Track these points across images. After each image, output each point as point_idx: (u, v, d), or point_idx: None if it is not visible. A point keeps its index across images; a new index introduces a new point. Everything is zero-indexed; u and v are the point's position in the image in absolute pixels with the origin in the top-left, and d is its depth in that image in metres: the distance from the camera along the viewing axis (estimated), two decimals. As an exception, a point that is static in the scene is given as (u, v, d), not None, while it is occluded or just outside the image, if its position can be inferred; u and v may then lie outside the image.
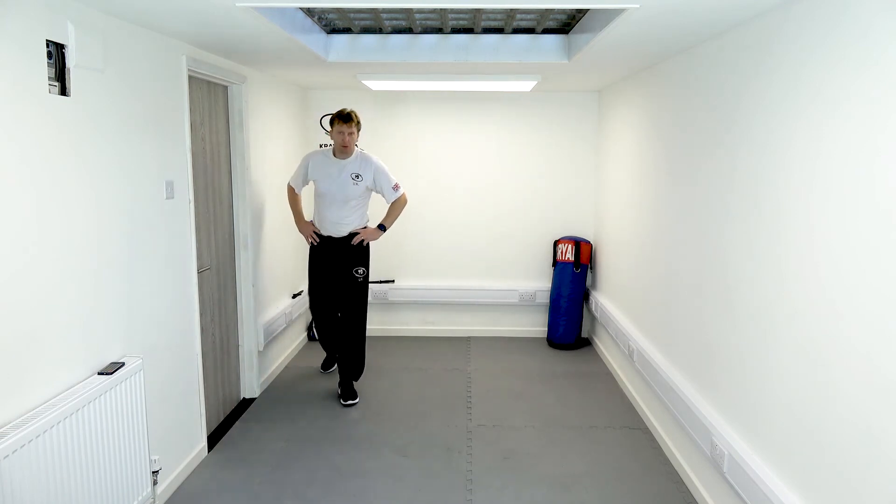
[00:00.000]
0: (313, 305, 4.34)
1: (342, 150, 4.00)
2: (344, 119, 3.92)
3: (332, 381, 4.55)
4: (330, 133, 4.02)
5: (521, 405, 4.13)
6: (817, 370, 2.03)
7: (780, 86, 2.28)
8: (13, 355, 2.04)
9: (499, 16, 3.37)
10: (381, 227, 4.17)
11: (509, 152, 5.47)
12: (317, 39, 3.53)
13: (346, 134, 3.92)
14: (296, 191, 4.19)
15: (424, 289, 5.56)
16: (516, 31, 3.67)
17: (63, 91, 2.26)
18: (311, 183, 4.20)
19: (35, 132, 2.11)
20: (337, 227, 4.08)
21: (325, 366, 4.70)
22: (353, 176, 4.01)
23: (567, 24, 3.53)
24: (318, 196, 4.08)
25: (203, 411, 3.38)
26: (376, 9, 3.18)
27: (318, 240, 4.12)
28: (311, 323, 5.49)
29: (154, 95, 2.87)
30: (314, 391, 4.34)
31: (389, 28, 3.62)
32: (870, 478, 1.78)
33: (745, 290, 2.54)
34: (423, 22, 3.50)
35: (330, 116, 4.07)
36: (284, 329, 4.77)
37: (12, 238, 2.02)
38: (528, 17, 3.38)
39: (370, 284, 5.55)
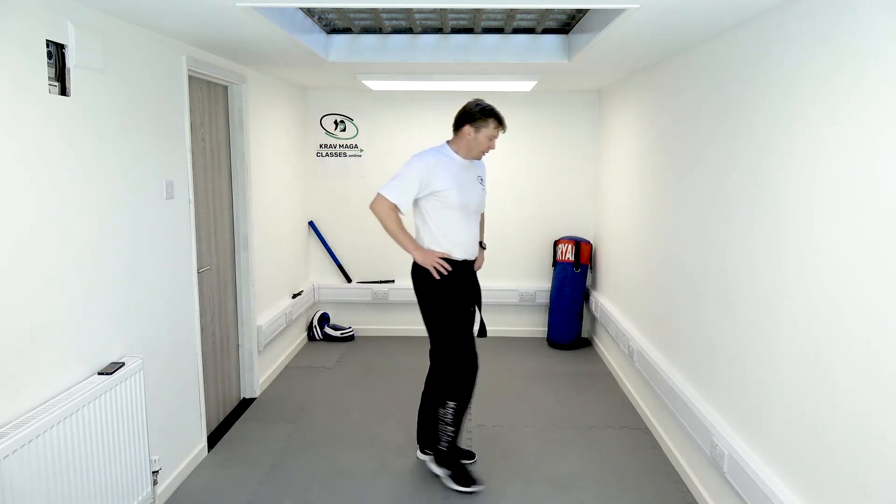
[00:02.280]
0: (470, 356, 3.16)
1: (475, 156, 3.13)
2: (503, 123, 3.07)
3: (330, 380, 4.55)
4: (472, 130, 3.03)
5: (521, 405, 4.12)
6: (818, 369, 2.03)
7: (781, 86, 2.28)
8: (13, 355, 2.04)
9: (499, 16, 3.37)
10: (483, 246, 3.42)
11: (509, 152, 5.46)
12: (317, 39, 3.53)
13: (495, 141, 3.11)
14: (401, 210, 3.03)
15: (424, 289, 5.56)
16: (516, 31, 3.67)
17: (63, 91, 2.26)
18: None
19: (35, 132, 2.11)
20: (473, 248, 3.18)
21: (458, 460, 3.21)
22: (480, 180, 3.22)
23: (567, 24, 3.53)
24: (450, 210, 3.05)
25: (203, 411, 3.38)
26: (376, 9, 3.19)
27: (449, 269, 3.06)
28: (310, 323, 5.49)
29: (154, 95, 2.87)
30: (314, 391, 4.34)
31: (389, 28, 3.63)
32: (871, 478, 1.78)
33: (745, 289, 2.54)
34: (423, 22, 3.50)
35: (470, 111, 3.04)
36: (284, 329, 4.77)
37: (12, 238, 2.02)
38: (528, 17, 3.38)
39: (371, 285, 5.58)
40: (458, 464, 3.17)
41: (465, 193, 3.08)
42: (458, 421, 3.13)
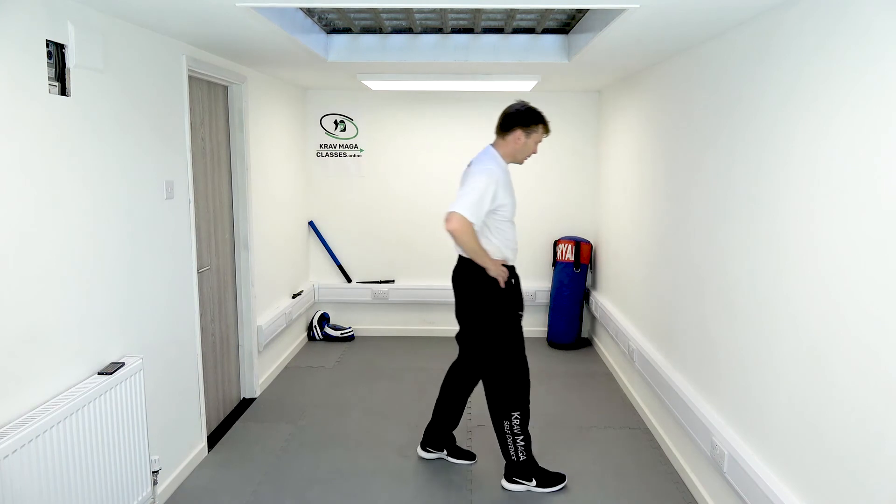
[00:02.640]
0: (525, 366, 3.09)
1: (519, 160, 3.09)
2: (548, 128, 3.06)
3: (330, 380, 4.55)
4: (523, 135, 2.99)
5: (521, 405, 4.12)
6: (819, 370, 2.03)
7: (781, 85, 2.27)
8: (13, 355, 2.04)
9: (499, 16, 3.37)
10: None
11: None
12: (317, 39, 3.53)
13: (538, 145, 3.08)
14: (476, 225, 2.90)
15: (424, 289, 5.56)
16: (516, 31, 3.67)
17: (63, 91, 2.26)
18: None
19: (35, 132, 2.11)
20: (517, 252, 3.17)
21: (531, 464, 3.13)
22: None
23: (567, 24, 3.53)
24: (505, 221, 3.01)
25: (203, 411, 3.38)
26: (376, 9, 3.19)
27: (508, 276, 3.03)
28: (310, 323, 5.49)
29: (154, 95, 2.87)
30: (314, 391, 4.34)
31: (389, 28, 3.63)
32: (871, 478, 1.78)
33: (745, 289, 2.54)
34: (423, 22, 3.50)
35: (521, 114, 2.99)
36: (284, 329, 4.77)
37: (12, 238, 2.02)
38: (528, 17, 3.38)
39: (371, 285, 5.58)
40: (539, 470, 3.11)
41: (514, 201, 3.05)
42: (525, 429, 3.08)
